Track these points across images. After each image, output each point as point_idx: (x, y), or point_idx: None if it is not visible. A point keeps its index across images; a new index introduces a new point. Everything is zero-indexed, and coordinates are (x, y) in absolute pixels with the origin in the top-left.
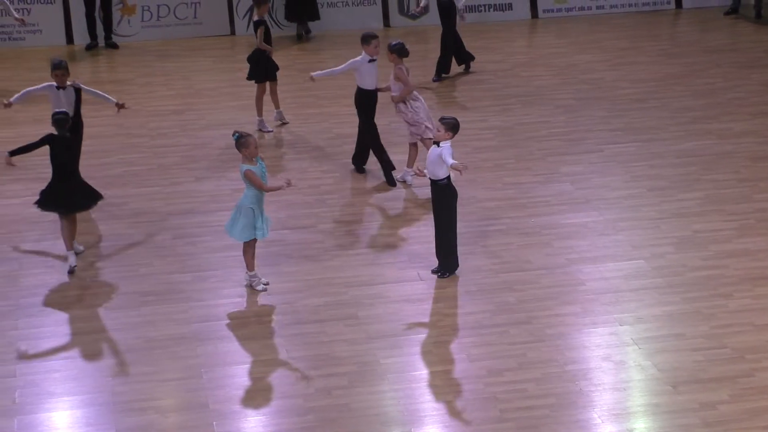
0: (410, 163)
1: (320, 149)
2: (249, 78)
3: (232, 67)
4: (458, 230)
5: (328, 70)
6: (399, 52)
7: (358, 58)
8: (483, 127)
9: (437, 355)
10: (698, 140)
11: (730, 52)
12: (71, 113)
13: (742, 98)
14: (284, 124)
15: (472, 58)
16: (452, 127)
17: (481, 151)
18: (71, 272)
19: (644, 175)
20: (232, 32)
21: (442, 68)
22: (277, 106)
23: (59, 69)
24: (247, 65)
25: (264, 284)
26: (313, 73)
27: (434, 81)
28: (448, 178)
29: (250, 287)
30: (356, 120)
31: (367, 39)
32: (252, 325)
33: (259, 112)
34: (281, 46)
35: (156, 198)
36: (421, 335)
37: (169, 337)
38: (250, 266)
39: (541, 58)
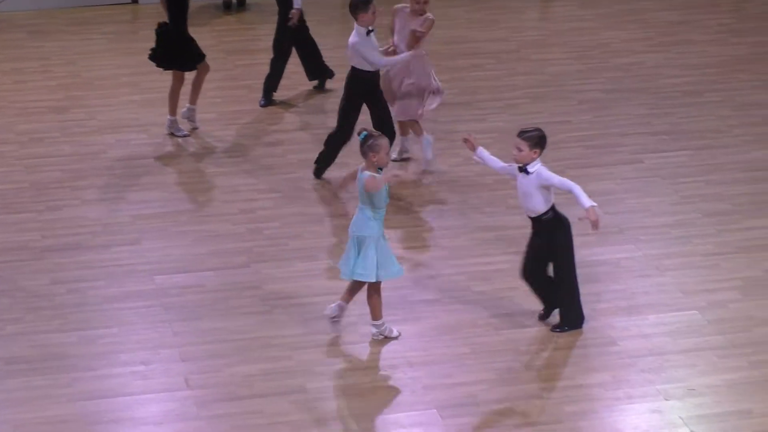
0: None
1: (255, 160)
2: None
3: (133, 47)
4: (439, 270)
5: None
6: None
7: (353, 36)
8: (480, 129)
9: None
10: None
11: None
12: None
13: None
14: (194, 129)
15: (330, 73)
16: (538, 141)
17: (476, 162)
18: None
19: (698, 195)
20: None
21: (272, 85)
22: (192, 102)
23: None
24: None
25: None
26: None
27: (262, 105)
28: (553, 208)
29: (382, 337)
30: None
31: (362, 4)
32: (158, 403)
33: (172, 111)
34: (201, 21)
35: (28, 228)
36: (382, 403)
37: (46, 420)
38: (377, 313)
39: (558, 36)
